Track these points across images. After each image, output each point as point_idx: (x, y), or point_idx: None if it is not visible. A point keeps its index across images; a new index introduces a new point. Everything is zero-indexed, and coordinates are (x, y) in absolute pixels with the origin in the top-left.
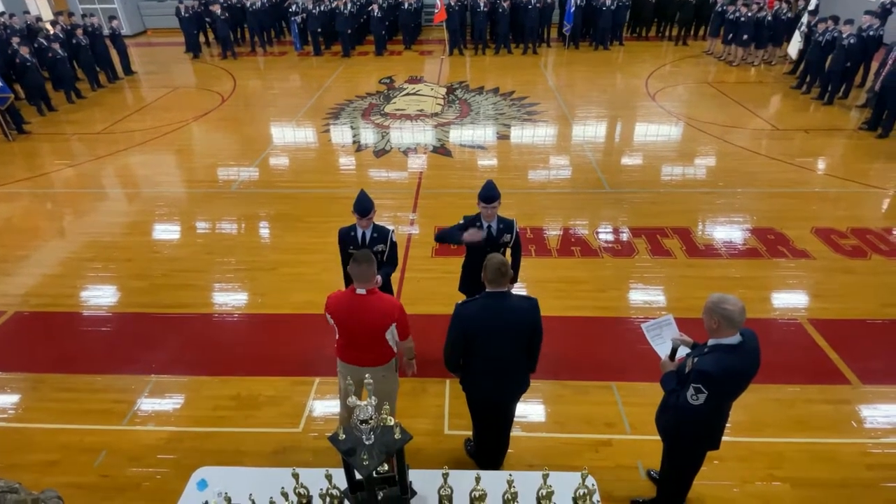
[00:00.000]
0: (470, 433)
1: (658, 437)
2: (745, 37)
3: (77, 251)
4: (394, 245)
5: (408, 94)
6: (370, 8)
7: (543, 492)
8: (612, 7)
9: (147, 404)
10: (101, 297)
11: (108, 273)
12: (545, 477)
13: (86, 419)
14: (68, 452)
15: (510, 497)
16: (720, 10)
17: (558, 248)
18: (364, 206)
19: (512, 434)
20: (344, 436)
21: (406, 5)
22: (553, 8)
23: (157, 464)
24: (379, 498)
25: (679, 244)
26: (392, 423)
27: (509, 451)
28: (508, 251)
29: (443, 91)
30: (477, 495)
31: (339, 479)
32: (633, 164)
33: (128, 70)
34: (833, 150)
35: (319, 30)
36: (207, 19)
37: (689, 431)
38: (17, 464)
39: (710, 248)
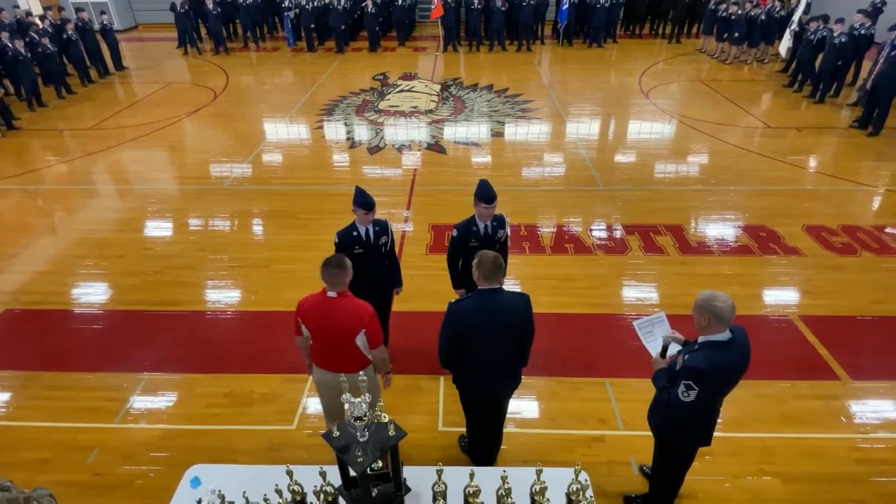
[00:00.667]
0: (464, 430)
1: (650, 433)
2: (738, 35)
3: (68, 248)
4: (391, 234)
5: (402, 90)
6: (364, 4)
7: (537, 487)
8: (606, 4)
9: (139, 402)
10: (92, 294)
11: (100, 270)
12: (539, 473)
13: (78, 417)
14: (60, 450)
15: (504, 493)
16: (713, 7)
17: (552, 245)
18: (369, 200)
19: (506, 430)
20: (338, 433)
21: (400, 1)
22: (547, 5)
23: (149, 462)
24: (373, 495)
25: (672, 241)
26: (386, 419)
27: (503, 447)
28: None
29: (437, 88)
30: (471, 491)
31: (334, 476)
32: (626, 162)
33: (119, 65)
34: (824, 148)
35: (313, 25)
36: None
37: (681, 428)
38: (8, 462)
39: (702, 245)
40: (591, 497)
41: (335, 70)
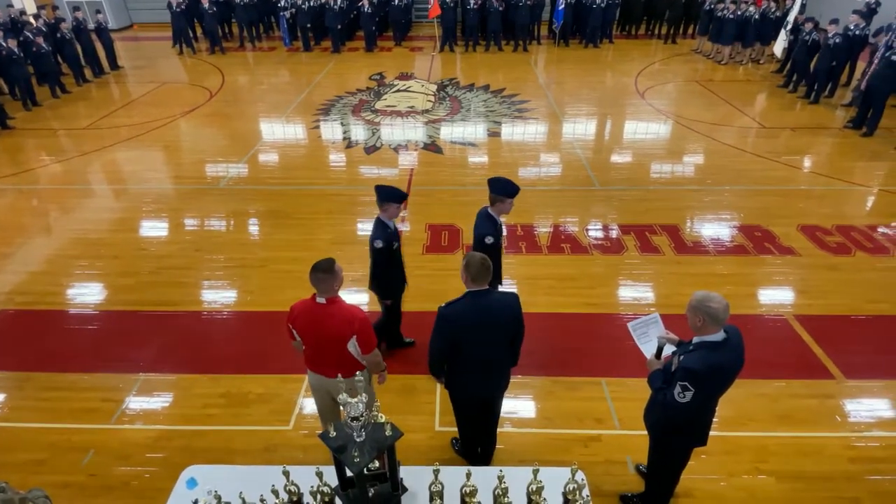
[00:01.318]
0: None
1: (646, 433)
2: (732, 35)
3: (63, 248)
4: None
5: (398, 90)
6: (360, 3)
7: (534, 487)
8: (602, 5)
9: (135, 403)
10: (87, 294)
11: (95, 270)
12: (535, 472)
13: (73, 418)
14: (55, 451)
15: (501, 492)
16: (708, 8)
17: (548, 245)
18: (403, 192)
19: (502, 430)
20: (334, 433)
21: (396, 1)
22: (543, 5)
23: (145, 462)
24: (370, 495)
25: (667, 241)
26: (382, 419)
27: (499, 446)
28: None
29: (433, 88)
30: (468, 491)
31: (330, 476)
32: (622, 162)
33: (114, 65)
34: (819, 149)
35: (309, 25)
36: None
37: (677, 428)
38: (3, 463)
39: (697, 244)
40: (587, 496)
41: (331, 70)
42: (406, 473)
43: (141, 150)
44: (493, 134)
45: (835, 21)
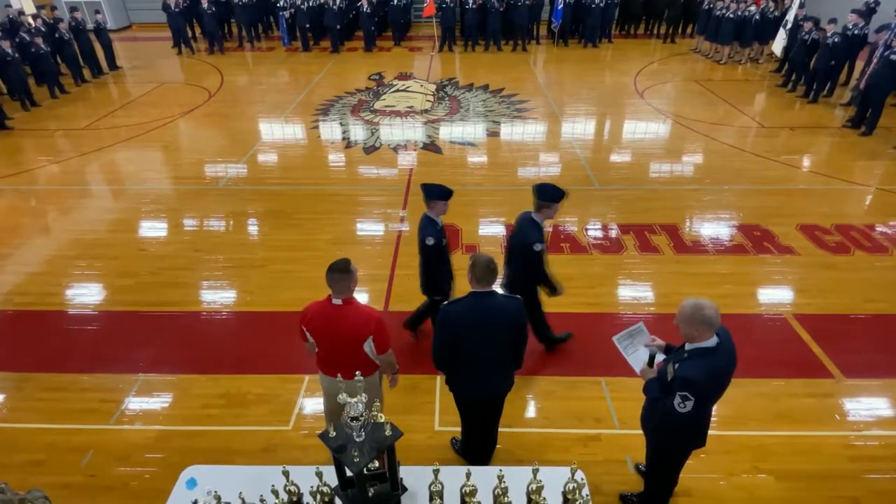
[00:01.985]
0: (457, 431)
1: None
2: (731, 34)
3: (62, 249)
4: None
5: (397, 90)
6: (359, 3)
7: (533, 486)
8: (601, 4)
9: (134, 403)
10: (86, 295)
11: (94, 271)
12: (535, 472)
13: (72, 419)
14: (55, 452)
15: (500, 492)
16: (707, 7)
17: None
18: (448, 188)
19: (502, 430)
20: (334, 433)
21: (395, 1)
22: (542, 5)
23: (145, 463)
24: (370, 494)
25: (667, 241)
26: (382, 419)
27: (499, 446)
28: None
29: (433, 88)
30: (468, 490)
31: (330, 476)
32: (621, 161)
33: (112, 65)
34: (818, 148)
35: (308, 25)
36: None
37: (678, 434)
38: (2, 464)
39: (697, 244)
40: (587, 496)
41: (330, 70)
42: (406, 473)
43: (140, 151)
44: (493, 134)
45: (833, 20)
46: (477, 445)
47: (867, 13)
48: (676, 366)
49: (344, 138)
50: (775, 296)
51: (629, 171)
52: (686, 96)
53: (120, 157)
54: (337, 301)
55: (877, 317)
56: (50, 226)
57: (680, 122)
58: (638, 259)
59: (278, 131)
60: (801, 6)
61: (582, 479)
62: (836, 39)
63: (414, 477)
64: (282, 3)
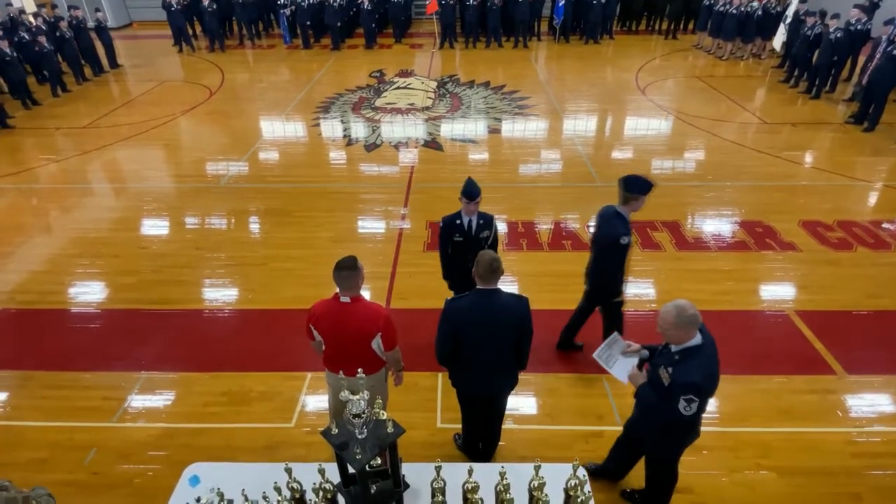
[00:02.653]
0: (460, 427)
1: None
2: (734, 30)
3: (64, 247)
4: (497, 231)
5: (398, 87)
6: (360, 0)
7: (535, 483)
8: (602, 1)
9: (137, 401)
10: (89, 293)
11: (96, 269)
12: (537, 468)
13: (75, 416)
14: (58, 450)
15: (502, 489)
16: (708, 3)
17: (549, 241)
18: (469, 190)
19: (504, 426)
20: (336, 430)
21: None
22: (543, 1)
23: (148, 460)
24: (372, 491)
25: (668, 237)
26: (384, 417)
27: (501, 443)
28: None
29: (433, 85)
30: (469, 487)
31: (333, 473)
32: (623, 158)
33: (113, 63)
34: (820, 144)
35: (309, 22)
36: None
37: (680, 435)
38: (6, 462)
39: (699, 240)
40: (588, 492)
41: (331, 67)
42: (408, 470)
43: (141, 149)
44: (494, 131)
45: (836, 16)
46: (478, 442)
47: (870, 8)
48: (670, 370)
49: (345, 136)
50: (777, 292)
51: (631, 168)
52: (688, 92)
53: (121, 156)
54: (345, 299)
55: (879, 313)
56: (52, 224)
57: (682, 118)
58: (640, 256)
59: (279, 129)
60: (802, 1)
61: (584, 475)
62: (838, 35)
63: (416, 474)
64: (282, 0)
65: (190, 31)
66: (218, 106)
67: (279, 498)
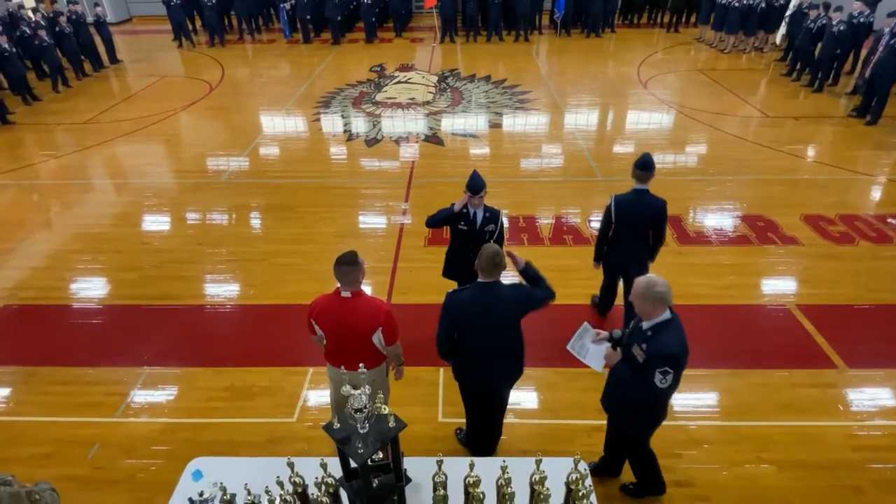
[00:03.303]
0: (461, 422)
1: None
2: (737, 23)
3: (65, 243)
4: (503, 226)
5: (399, 82)
6: None
7: (536, 477)
8: None
9: (140, 396)
10: (90, 289)
11: (98, 265)
12: (538, 462)
13: (78, 412)
14: (61, 445)
15: (504, 482)
16: None
17: (550, 236)
18: (471, 182)
19: (505, 421)
20: (338, 425)
21: None
22: None
23: (151, 455)
24: (374, 485)
25: (670, 232)
26: (386, 411)
27: (503, 437)
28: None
29: (434, 79)
30: (471, 481)
31: (335, 467)
32: (624, 152)
33: (113, 59)
34: (822, 138)
35: (308, 17)
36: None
37: (652, 411)
38: (9, 457)
39: (700, 235)
40: (590, 486)
41: (331, 62)
42: (410, 464)
43: (142, 145)
44: (495, 125)
45: (839, 8)
46: (480, 436)
47: (872, 1)
48: (644, 346)
49: (345, 131)
50: (779, 286)
51: (632, 162)
52: (690, 86)
53: (122, 151)
54: (346, 294)
55: (880, 307)
56: (53, 220)
57: (683, 112)
58: None
59: (280, 124)
60: None
61: (585, 469)
62: (841, 27)
63: (418, 468)
64: None
65: (190, 26)
66: (218, 101)
67: (281, 492)
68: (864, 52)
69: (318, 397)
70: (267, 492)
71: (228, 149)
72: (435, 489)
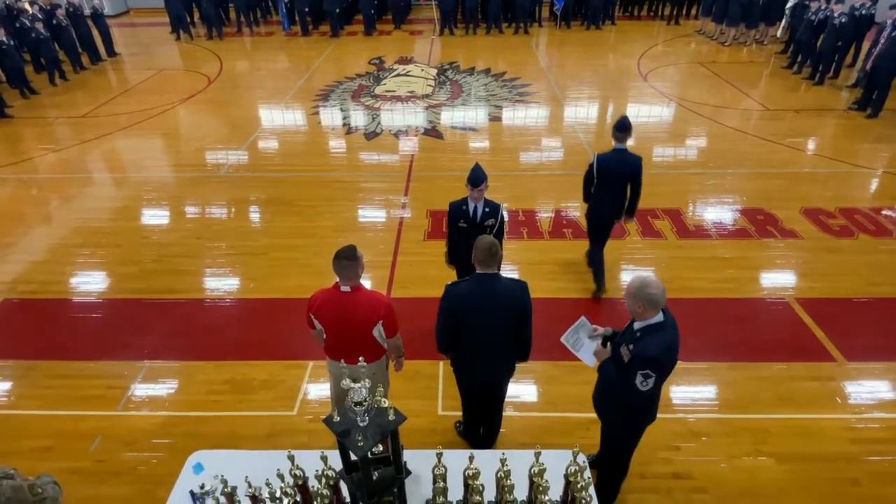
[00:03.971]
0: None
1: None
2: (738, 16)
3: (65, 237)
4: (503, 220)
5: (398, 75)
6: None
7: (536, 469)
8: None
9: (141, 390)
10: (90, 283)
11: (98, 259)
12: (537, 455)
13: (79, 405)
14: (62, 438)
15: (503, 475)
16: None
17: (550, 230)
18: (472, 175)
19: (505, 414)
20: (338, 418)
21: None
22: None
23: (152, 448)
24: (374, 478)
25: (669, 225)
26: (386, 404)
27: (502, 430)
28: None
29: (433, 72)
30: (470, 474)
31: (335, 460)
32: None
33: (111, 52)
34: (823, 131)
35: (307, 9)
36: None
37: (636, 413)
38: (11, 450)
39: (700, 228)
40: (588, 478)
41: (330, 54)
42: (409, 457)
43: (140, 138)
44: (494, 118)
45: (840, 1)
46: (478, 429)
47: None
48: (631, 346)
49: (344, 124)
50: (778, 280)
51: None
52: (690, 79)
53: (121, 145)
54: (345, 288)
55: (879, 300)
56: (52, 214)
57: (684, 105)
58: (640, 244)
59: (278, 118)
60: None
61: (584, 461)
62: (843, 20)
63: (418, 460)
64: None
65: (188, 19)
66: (217, 94)
67: (282, 485)
68: (865, 45)
69: (318, 391)
70: (267, 484)
71: (227, 142)
72: (435, 481)
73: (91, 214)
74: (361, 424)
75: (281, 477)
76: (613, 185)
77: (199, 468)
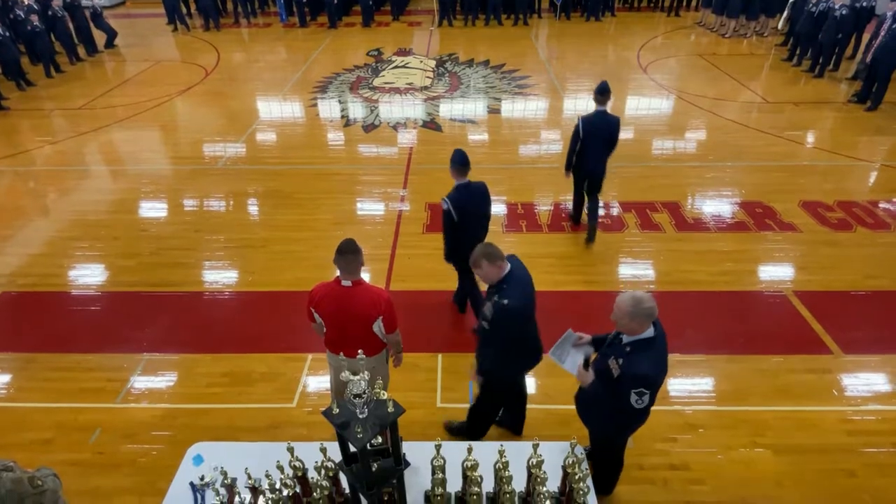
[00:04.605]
0: (458, 411)
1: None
2: (739, 7)
3: (63, 230)
4: (447, 212)
5: (396, 66)
6: None
7: (534, 461)
8: None
9: (140, 382)
10: (89, 276)
11: (96, 252)
12: (535, 447)
13: (79, 398)
14: (62, 431)
15: (501, 466)
16: None
17: (549, 223)
18: (456, 157)
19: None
20: (338, 410)
21: None
22: None
23: (151, 440)
24: (373, 469)
25: (668, 218)
26: (385, 397)
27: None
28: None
29: (432, 64)
30: (469, 465)
31: (334, 452)
32: (623, 138)
33: (108, 43)
34: (822, 123)
35: (305, 0)
36: None
37: (629, 424)
38: (10, 443)
39: (698, 221)
40: (586, 470)
41: (328, 46)
42: (409, 448)
43: (137, 130)
44: (494, 111)
45: None
46: (519, 413)
47: None
48: (620, 361)
49: (343, 116)
50: (776, 273)
51: (631, 148)
52: (690, 71)
53: (118, 137)
54: (346, 282)
55: (876, 293)
56: (50, 207)
57: (683, 97)
58: (639, 237)
59: (276, 110)
60: None
61: (581, 453)
62: (843, 12)
63: (417, 452)
64: None
65: (184, 10)
66: (214, 86)
67: (282, 476)
68: (865, 37)
69: (318, 383)
70: (267, 476)
71: (225, 135)
72: (433, 472)
73: (89, 207)
74: (361, 416)
75: (280, 468)
76: (596, 142)
77: (198, 460)
